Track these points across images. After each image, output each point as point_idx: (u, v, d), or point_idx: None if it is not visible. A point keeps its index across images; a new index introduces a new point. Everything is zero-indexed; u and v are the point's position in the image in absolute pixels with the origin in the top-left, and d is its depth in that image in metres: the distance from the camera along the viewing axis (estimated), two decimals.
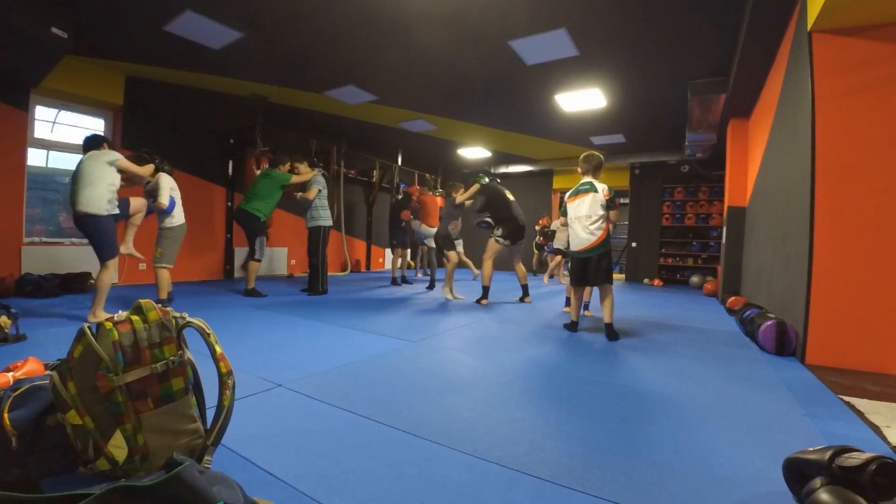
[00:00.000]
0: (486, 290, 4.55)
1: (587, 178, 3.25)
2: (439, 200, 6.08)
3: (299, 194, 4.83)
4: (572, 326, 3.34)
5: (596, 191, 3.15)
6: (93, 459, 1.03)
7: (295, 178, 4.77)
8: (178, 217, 3.70)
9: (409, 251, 6.59)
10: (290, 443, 1.35)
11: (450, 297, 4.83)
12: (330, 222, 4.87)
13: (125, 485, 0.74)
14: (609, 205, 3.15)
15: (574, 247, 3.23)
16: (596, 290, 3.59)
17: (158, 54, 4.47)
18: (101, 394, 1.01)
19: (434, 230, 5.68)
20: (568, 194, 3.32)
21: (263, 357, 2.31)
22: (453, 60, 4.38)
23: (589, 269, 3.17)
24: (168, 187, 3.58)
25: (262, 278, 6.27)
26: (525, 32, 3.75)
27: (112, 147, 3.22)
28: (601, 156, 3.29)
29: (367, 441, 1.38)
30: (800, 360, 2.62)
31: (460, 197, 4.94)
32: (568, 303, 4.47)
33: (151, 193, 3.61)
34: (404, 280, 6.41)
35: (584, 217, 3.15)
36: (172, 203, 3.61)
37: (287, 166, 4.87)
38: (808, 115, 2.62)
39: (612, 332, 3.06)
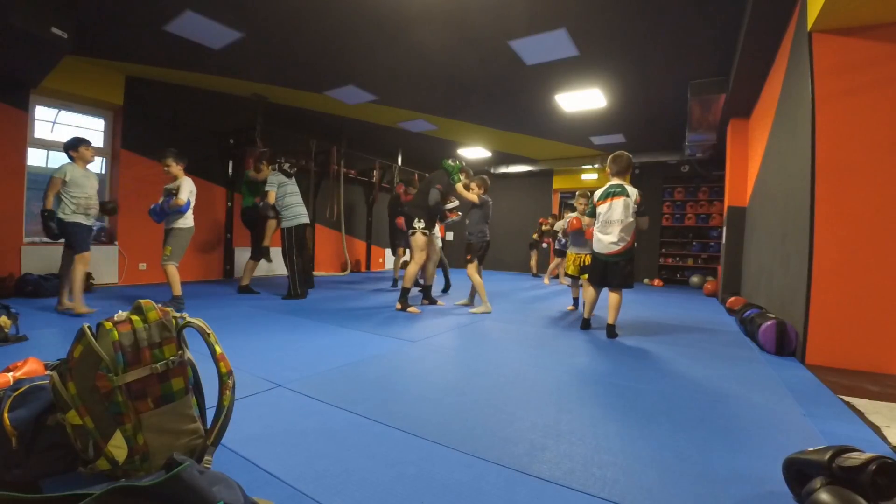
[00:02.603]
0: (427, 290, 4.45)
1: (617, 181, 3.18)
2: None
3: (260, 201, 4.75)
4: (585, 325, 3.39)
5: (628, 195, 3.09)
6: (93, 459, 1.03)
7: (253, 176, 4.86)
8: (189, 219, 3.73)
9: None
10: (290, 443, 1.35)
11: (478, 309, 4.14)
12: (294, 222, 4.45)
13: (125, 485, 0.74)
14: (640, 211, 3.11)
15: (599, 249, 3.19)
16: (585, 288, 3.58)
17: (158, 54, 4.47)
18: (101, 394, 1.01)
19: None
20: (597, 196, 3.24)
21: (263, 357, 2.31)
22: (453, 60, 4.38)
23: (610, 272, 3.15)
24: (188, 189, 3.63)
25: (261, 278, 6.27)
26: (525, 32, 3.75)
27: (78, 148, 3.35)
28: (630, 156, 3.23)
29: (367, 441, 1.38)
30: (800, 360, 2.62)
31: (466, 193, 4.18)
32: (574, 303, 4.51)
33: (171, 192, 3.62)
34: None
35: (615, 222, 3.09)
36: (188, 205, 3.65)
37: (260, 166, 4.87)
38: (808, 115, 2.62)
39: (612, 332, 3.12)
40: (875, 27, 2.48)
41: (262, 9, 3.51)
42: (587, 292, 3.45)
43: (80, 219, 3.29)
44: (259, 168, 4.83)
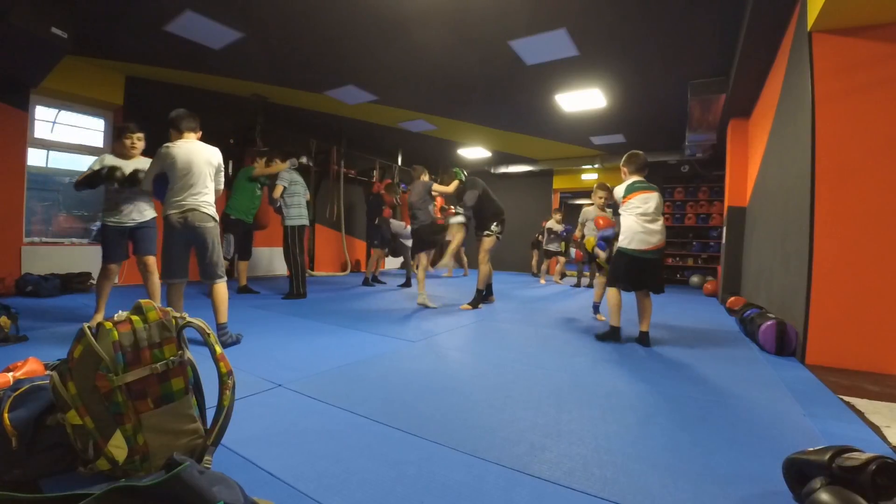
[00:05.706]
0: (487, 289, 4.41)
1: (638, 177, 3.01)
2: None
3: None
4: (615, 335, 2.99)
5: (657, 190, 2.94)
6: (93, 459, 1.03)
7: (261, 171, 4.66)
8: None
9: (386, 250, 6.40)
10: (290, 443, 1.35)
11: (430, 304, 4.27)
12: (297, 222, 4.44)
13: (125, 485, 0.74)
14: None
15: (636, 245, 2.85)
16: (608, 290, 3.15)
17: (158, 54, 4.47)
18: (101, 394, 1.01)
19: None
20: (624, 192, 2.98)
21: (263, 357, 2.31)
22: (453, 60, 4.38)
23: (647, 271, 2.88)
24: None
25: (261, 278, 6.26)
26: (525, 32, 3.75)
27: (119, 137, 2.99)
28: (644, 155, 3.12)
29: (367, 441, 1.38)
30: (800, 360, 2.62)
31: (440, 187, 4.34)
32: (596, 309, 4.08)
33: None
34: (376, 280, 6.31)
35: (655, 215, 2.87)
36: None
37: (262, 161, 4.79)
38: (808, 115, 2.62)
39: (646, 340, 2.90)
40: (875, 27, 2.48)
41: (262, 9, 3.51)
42: (614, 297, 3.02)
43: (110, 219, 2.86)
44: (267, 163, 4.77)
